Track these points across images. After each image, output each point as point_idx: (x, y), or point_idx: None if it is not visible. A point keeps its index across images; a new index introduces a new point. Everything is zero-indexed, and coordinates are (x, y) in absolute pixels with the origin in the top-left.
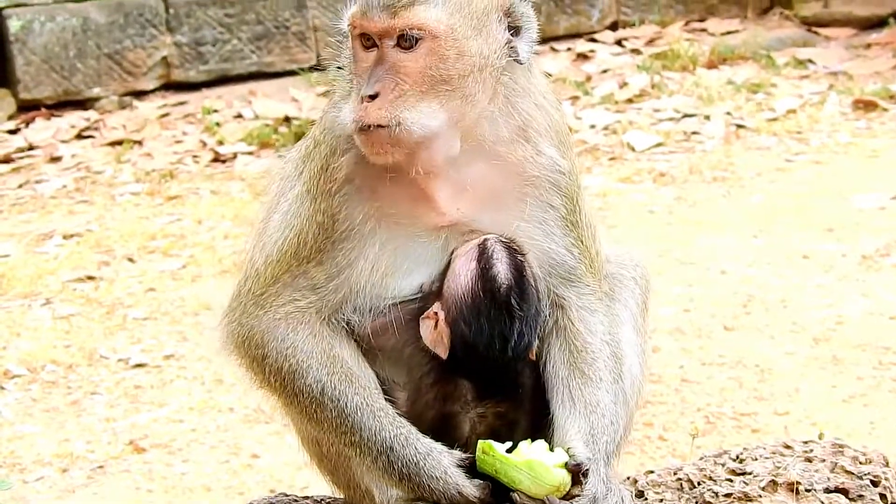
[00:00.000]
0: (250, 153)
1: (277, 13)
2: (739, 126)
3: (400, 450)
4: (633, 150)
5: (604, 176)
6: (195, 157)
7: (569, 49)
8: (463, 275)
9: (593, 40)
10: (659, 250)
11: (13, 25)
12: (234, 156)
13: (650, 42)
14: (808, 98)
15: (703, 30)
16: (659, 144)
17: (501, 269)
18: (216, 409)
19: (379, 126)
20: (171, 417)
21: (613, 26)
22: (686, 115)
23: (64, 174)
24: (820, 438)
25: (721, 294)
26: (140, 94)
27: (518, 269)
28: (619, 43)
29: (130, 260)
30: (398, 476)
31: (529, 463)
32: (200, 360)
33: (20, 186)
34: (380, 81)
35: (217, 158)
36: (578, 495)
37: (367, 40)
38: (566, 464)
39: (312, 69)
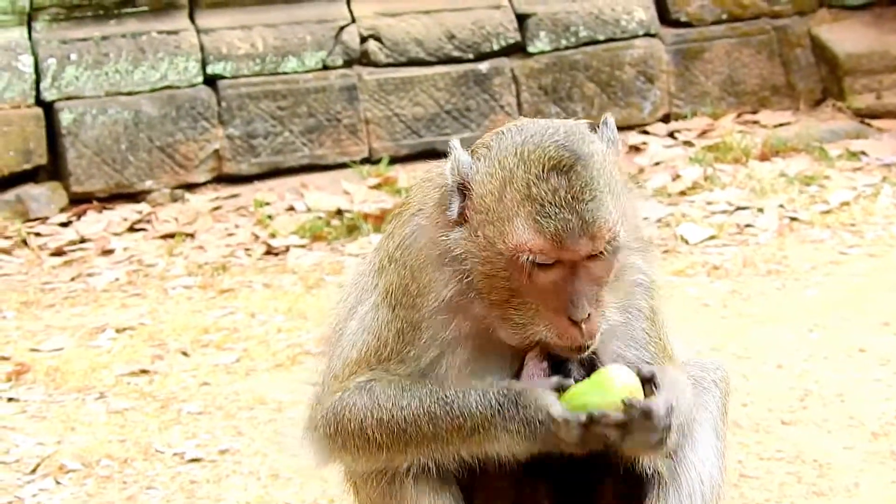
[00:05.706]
0: (303, 246)
1: (329, 106)
2: (793, 219)
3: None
4: (686, 242)
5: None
6: (247, 249)
7: (621, 141)
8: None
9: (645, 132)
10: (714, 344)
11: (65, 118)
12: (287, 249)
13: (702, 134)
14: (862, 190)
15: (756, 122)
16: (712, 237)
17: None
18: None
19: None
20: None
21: (665, 118)
22: (739, 208)
23: (116, 267)
24: None
25: (778, 388)
26: (192, 187)
27: (590, 364)
28: (671, 135)
29: (184, 354)
30: (517, 428)
31: (594, 381)
32: (256, 454)
33: (72, 279)
34: (587, 302)
35: (269, 251)
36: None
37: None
38: (638, 371)
39: (364, 161)
